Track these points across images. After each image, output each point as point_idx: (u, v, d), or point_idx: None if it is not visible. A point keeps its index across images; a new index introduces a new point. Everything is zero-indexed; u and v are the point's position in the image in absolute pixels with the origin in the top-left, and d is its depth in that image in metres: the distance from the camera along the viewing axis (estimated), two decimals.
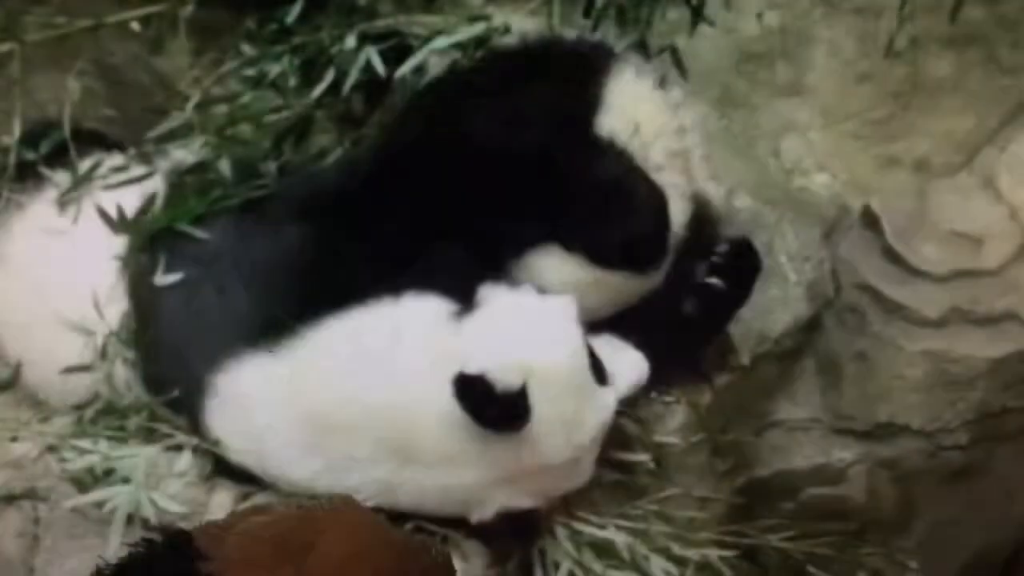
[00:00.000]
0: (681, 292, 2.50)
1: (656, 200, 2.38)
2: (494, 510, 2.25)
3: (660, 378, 2.54)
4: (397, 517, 2.14)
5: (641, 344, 2.39)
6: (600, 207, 2.37)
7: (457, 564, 1.45)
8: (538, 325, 2.27)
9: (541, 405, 2.17)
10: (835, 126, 2.98)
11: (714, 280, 2.49)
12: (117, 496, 2.26)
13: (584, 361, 2.28)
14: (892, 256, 2.73)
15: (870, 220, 2.78)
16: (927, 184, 2.86)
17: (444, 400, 2.17)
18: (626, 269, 2.39)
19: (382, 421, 2.22)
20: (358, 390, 2.24)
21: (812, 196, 2.93)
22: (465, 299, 2.30)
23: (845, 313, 2.75)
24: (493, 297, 2.30)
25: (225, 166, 2.54)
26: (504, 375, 2.14)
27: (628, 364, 2.38)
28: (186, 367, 2.36)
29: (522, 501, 2.25)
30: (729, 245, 2.50)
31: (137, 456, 2.33)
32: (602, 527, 2.34)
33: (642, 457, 2.47)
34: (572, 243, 2.37)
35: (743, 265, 2.52)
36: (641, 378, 2.38)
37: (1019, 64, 2.95)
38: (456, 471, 2.22)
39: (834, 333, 2.75)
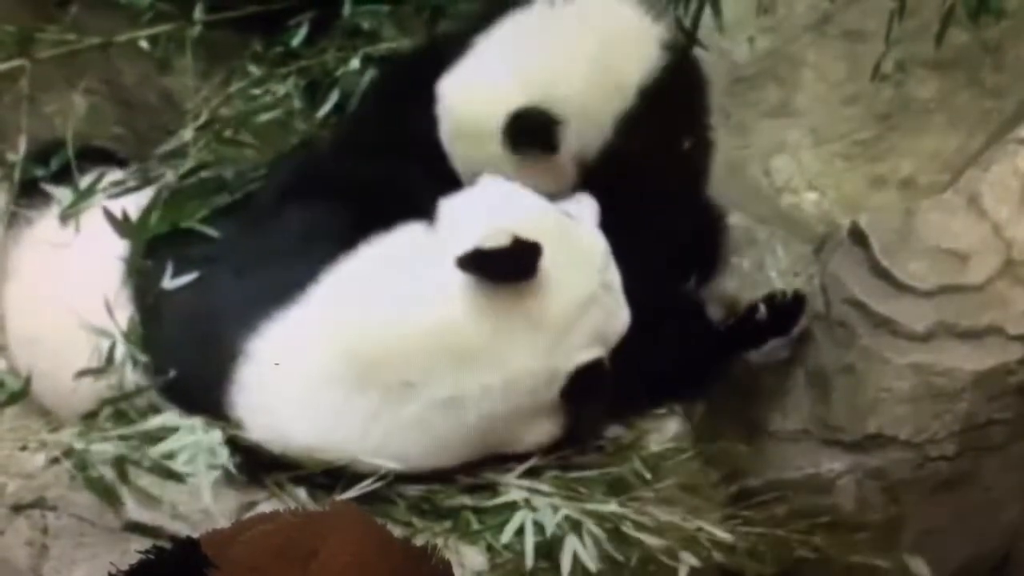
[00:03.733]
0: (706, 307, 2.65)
1: None
2: (568, 374, 2.31)
3: (663, 391, 2.62)
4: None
5: (661, 343, 2.48)
6: None
7: (457, 570, 1.47)
8: (498, 199, 2.40)
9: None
10: (824, 146, 3.00)
11: (762, 308, 2.65)
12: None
13: (550, 205, 2.41)
14: (880, 272, 2.73)
15: (858, 237, 2.78)
16: (914, 202, 2.86)
17: (465, 290, 2.26)
18: None
19: (425, 334, 2.28)
20: (393, 313, 2.30)
21: (802, 214, 2.97)
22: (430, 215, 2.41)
23: (834, 327, 2.75)
24: (447, 201, 2.41)
25: (227, 171, 2.57)
26: (492, 239, 2.24)
27: (579, 205, 2.49)
28: (207, 353, 2.37)
29: (586, 354, 2.33)
30: (794, 294, 2.69)
31: (183, 427, 2.32)
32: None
33: (635, 466, 2.50)
34: None
35: (790, 316, 2.69)
36: (595, 210, 2.48)
37: (1002, 86, 2.98)
38: (511, 353, 2.28)
39: (824, 347, 2.76)
